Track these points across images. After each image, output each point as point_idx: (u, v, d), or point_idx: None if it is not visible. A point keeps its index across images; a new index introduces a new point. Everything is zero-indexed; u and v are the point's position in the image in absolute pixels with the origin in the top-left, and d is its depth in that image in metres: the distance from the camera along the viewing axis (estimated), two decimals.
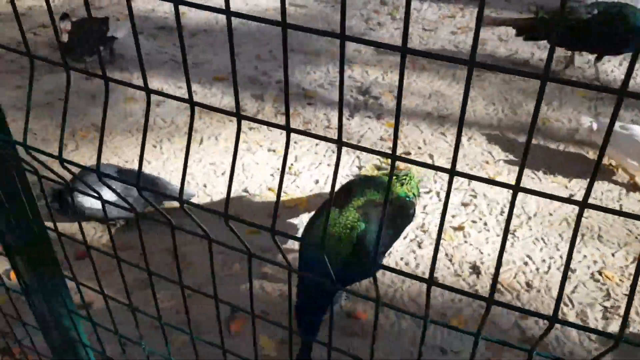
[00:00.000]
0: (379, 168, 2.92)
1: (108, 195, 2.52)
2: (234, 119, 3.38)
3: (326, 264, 1.68)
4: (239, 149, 3.16)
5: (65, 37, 3.57)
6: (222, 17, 4.53)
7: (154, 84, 3.74)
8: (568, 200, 0.60)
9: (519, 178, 0.61)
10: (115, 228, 2.66)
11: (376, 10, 4.53)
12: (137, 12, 4.58)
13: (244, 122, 3.38)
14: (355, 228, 1.95)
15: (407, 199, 2.20)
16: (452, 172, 0.62)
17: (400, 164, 2.99)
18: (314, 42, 4.17)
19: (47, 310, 1.29)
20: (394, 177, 2.22)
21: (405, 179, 2.27)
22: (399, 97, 0.62)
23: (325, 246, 1.92)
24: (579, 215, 0.58)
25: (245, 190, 2.86)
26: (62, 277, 1.30)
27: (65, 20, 3.61)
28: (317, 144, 3.19)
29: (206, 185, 2.89)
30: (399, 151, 3.10)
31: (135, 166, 2.93)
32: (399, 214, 2.12)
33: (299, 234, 2.63)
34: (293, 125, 3.35)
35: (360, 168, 3.01)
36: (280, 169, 0.80)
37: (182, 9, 4.64)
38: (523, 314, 2.27)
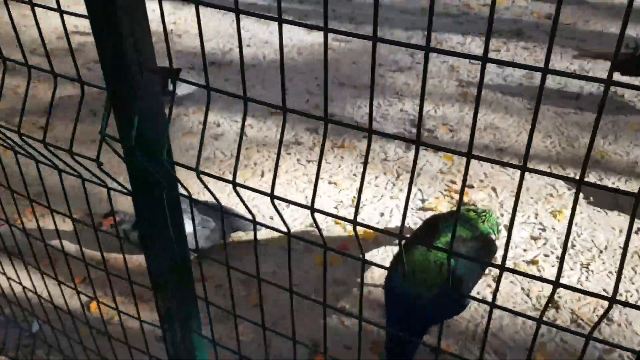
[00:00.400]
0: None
1: (185, 227, 2.54)
2: (292, 152, 3.42)
3: (417, 299, 1.67)
4: (301, 182, 3.19)
5: None
6: (268, 53, 4.61)
7: (210, 117, 3.79)
8: (626, 193, 0.67)
9: (582, 173, 0.67)
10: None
11: (420, 44, 4.59)
12: (186, 49, 4.68)
13: (302, 154, 3.41)
14: (445, 265, 1.95)
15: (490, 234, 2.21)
16: (524, 169, 0.72)
17: (473, 199, 3.00)
18: (362, 76, 4.23)
19: (183, 342, 1.30)
20: (475, 213, 2.22)
21: (485, 215, 2.27)
22: (477, 100, 0.69)
23: (415, 283, 1.93)
24: (635, 205, 0.64)
25: (312, 225, 2.87)
26: (197, 307, 1.31)
27: None
28: (377, 177, 3.21)
29: (273, 218, 2.90)
30: (461, 184, 3.11)
31: (204, 199, 2.95)
32: (484, 250, 2.12)
33: (369, 268, 2.63)
34: (349, 158, 3.39)
35: (423, 201, 3.02)
36: (364, 163, 0.84)
37: (230, 45, 4.73)
38: (606, 349, 2.24)
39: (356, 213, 0.90)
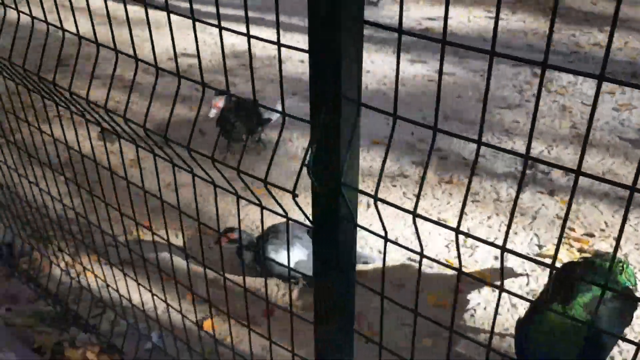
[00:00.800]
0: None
1: (299, 253, 2.52)
2: (398, 184, 3.35)
3: None
4: (408, 216, 3.11)
5: (212, 113, 3.32)
6: (370, 82, 4.59)
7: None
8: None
9: None
10: (298, 288, 2.64)
11: (528, 81, 4.46)
12: (289, 75, 4.73)
13: (408, 188, 3.34)
14: (584, 328, 1.82)
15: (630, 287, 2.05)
16: (633, 189, 0.72)
17: (594, 248, 2.83)
18: (467, 110, 4.13)
19: None
20: (608, 264, 2.08)
21: (622, 266, 2.12)
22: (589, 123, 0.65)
23: (552, 347, 1.80)
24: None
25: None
26: (353, 341, 1.27)
27: (222, 96, 3.38)
28: (489, 217, 3.09)
29: (380, 251, 2.84)
30: (580, 232, 2.95)
31: None
32: (627, 305, 1.97)
33: (481, 311, 2.51)
34: (458, 195, 3.28)
35: (540, 247, 2.87)
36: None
37: None
38: None
39: (459, 222, 0.92)
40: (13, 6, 1.63)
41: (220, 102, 3.40)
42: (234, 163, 3.60)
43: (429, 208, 3.17)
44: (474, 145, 3.71)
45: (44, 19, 1.47)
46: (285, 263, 2.50)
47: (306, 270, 2.52)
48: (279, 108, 3.71)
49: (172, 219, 1.83)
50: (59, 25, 1.42)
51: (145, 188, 1.54)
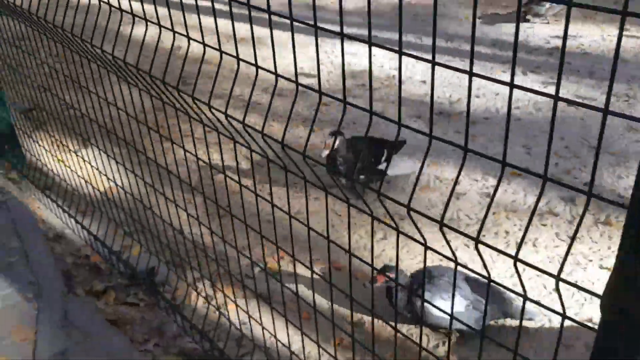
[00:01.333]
0: None
1: (458, 304, 2.25)
2: (548, 224, 3.01)
3: None
4: (566, 262, 2.77)
5: (324, 153, 3.06)
6: (501, 105, 4.27)
7: (445, 174, 3.52)
8: None
9: None
10: (453, 341, 2.37)
11: None
12: (411, 96, 4.49)
13: (560, 228, 2.99)
14: None
15: None
16: None
17: None
18: (616, 140, 3.73)
19: None
20: None
21: None
22: None
23: None
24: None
25: (590, 320, 2.44)
26: None
27: (335, 137, 3.11)
28: None
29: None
30: None
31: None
32: None
33: None
34: (619, 239, 2.90)
35: None
36: None
37: (457, 94, 4.47)
38: None
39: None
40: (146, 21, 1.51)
41: (338, 142, 3.15)
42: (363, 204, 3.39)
43: (588, 253, 2.81)
44: (629, 181, 3.32)
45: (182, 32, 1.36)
46: (440, 312, 2.24)
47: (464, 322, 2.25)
48: (406, 163, 3.39)
49: (299, 249, 1.65)
50: (201, 41, 1.33)
51: (273, 217, 1.38)
